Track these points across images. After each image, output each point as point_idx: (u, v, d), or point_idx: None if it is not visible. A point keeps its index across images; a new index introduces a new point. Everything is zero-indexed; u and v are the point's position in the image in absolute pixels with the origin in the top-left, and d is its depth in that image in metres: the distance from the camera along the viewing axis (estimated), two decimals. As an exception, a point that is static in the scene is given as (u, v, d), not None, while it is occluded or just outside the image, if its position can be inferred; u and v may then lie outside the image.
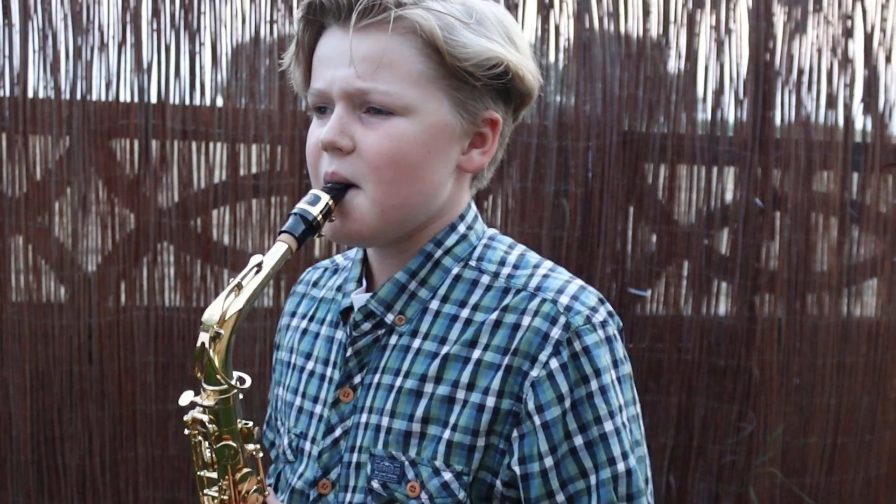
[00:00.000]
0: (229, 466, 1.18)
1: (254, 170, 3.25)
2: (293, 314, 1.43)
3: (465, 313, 1.23)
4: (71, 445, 3.19)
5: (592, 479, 1.17)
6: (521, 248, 1.30)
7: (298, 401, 1.35)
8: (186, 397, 1.17)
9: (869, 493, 3.54)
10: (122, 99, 3.16)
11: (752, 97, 3.38)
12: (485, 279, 1.25)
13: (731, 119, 3.43)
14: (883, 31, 3.44)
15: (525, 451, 1.17)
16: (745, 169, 3.38)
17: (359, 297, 1.29)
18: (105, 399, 3.19)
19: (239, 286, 1.14)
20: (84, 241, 3.19)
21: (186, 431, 1.18)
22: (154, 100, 3.17)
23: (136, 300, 3.21)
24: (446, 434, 1.19)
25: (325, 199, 1.19)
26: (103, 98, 3.15)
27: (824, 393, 3.48)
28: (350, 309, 1.30)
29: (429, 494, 1.20)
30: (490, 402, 1.18)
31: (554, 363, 1.17)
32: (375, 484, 1.23)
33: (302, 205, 1.18)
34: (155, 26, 3.15)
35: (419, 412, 1.21)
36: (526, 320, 1.19)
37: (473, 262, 1.27)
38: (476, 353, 1.20)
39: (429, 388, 1.21)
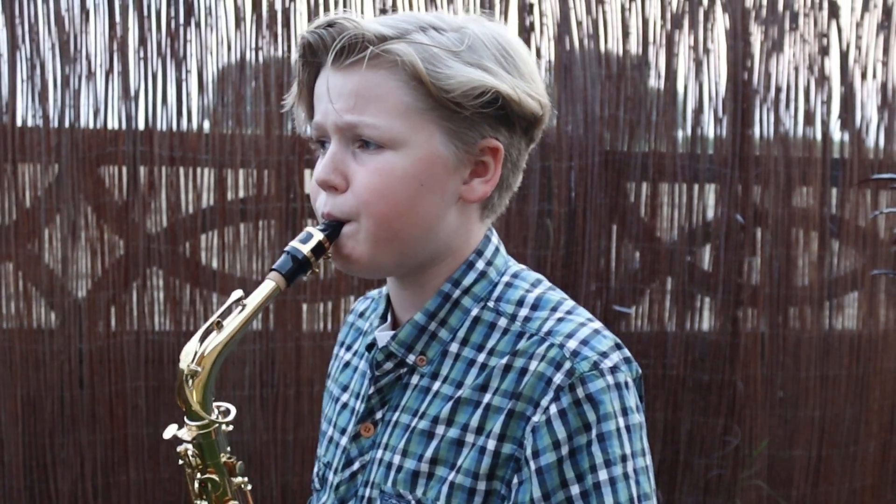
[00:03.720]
0: (214, 498, 1.21)
1: (241, 194, 3.29)
2: (342, 344, 1.44)
3: (481, 358, 1.21)
4: (63, 470, 3.21)
5: None
6: (544, 286, 1.27)
7: (330, 430, 1.36)
8: (170, 431, 1.20)
9: (854, 504, 3.59)
10: (110, 126, 3.20)
11: (731, 115, 3.43)
12: (502, 322, 1.23)
13: (711, 137, 3.48)
14: (858, 48, 3.50)
15: (519, 497, 1.15)
16: (725, 186, 3.43)
17: (382, 335, 1.29)
18: (96, 424, 3.21)
19: (219, 324, 1.16)
20: (74, 267, 3.22)
21: (181, 462, 1.21)
22: (142, 126, 3.21)
23: (126, 325, 3.23)
24: (451, 476, 1.18)
25: (318, 237, 1.19)
26: (91, 126, 3.19)
27: (808, 405, 3.52)
28: (373, 345, 1.30)
29: None
30: (491, 445, 1.17)
31: (553, 409, 1.14)
32: None
33: (294, 243, 1.19)
34: (142, 54, 3.19)
35: (429, 453, 1.20)
36: (533, 365, 1.17)
37: (492, 302, 1.24)
38: (486, 398, 1.19)
39: (440, 430, 1.21)
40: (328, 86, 1.19)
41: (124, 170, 3.21)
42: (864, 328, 3.56)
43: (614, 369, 1.17)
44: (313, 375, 3.30)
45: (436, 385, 1.23)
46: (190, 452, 1.20)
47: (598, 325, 1.21)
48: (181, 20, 3.20)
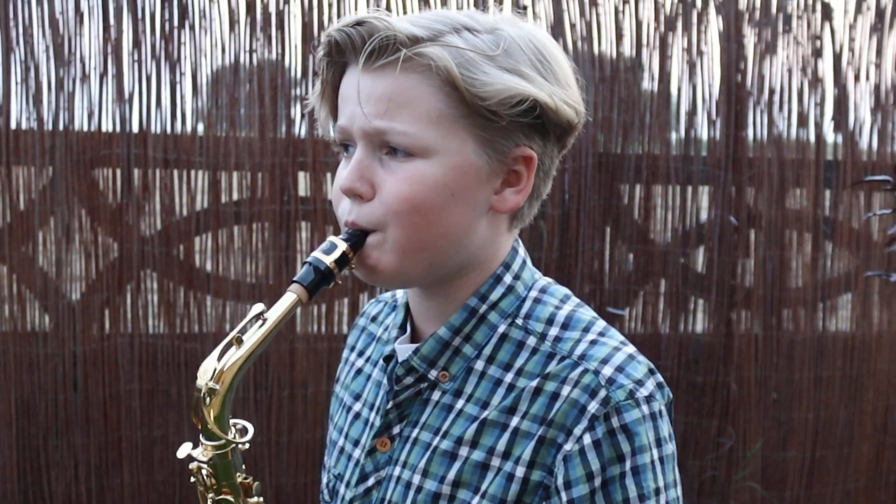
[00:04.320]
0: None
1: (235, 197, 3.29)
2: (352, 349, 1.39)
3: (508, 378, 1.17)
4: (57, 473, 3.21)
5: None
6: (573, 302, 1.22)
7: (342, 441, 1.31)
8: (184, 450, 1.15)
9: (848, 505, 3.59)
10: (104, 129, 3.21)
11: (724, 117, 3.44)
12: (531, 341, 1.17)
13: (705, 139, 3.49)
14: (851, 50, 3.51)
15: None
16: (719, 188, 3.44)
17: (402, 348, 1.24)
18: (90, 426, 3.22)
19: (239, 339, 1.11)
20: (68, 269, 3.22)
21: (192, 479, 1.17)
22: (136, 129, 3.22)
23: (120, 328, 3.24)
24: (475, 500, 1.14)
25: (342, 247, 1.14)
26: (86, 128, 3.19)
27: (802, 407, 3.53)
28: (391, 356, 1.25)
29: None
30: (520, 472, 1.12)
31: (587, 439, 1.10)
32: None
33: (316, 253, 1.14)
34: (136, 57, 3.19)
35: (451, 475, 1.16)
36: (565, 390, 1.12)
37: (520, 319, 1.19)
38: (514, 421, 1.14)
39: (464, 451, 1.16)
40: (358, 88, 1.13)
41: (118, 172, 3.21)
42: (858, 330, 3.57)
43: (650, 398, 1.11)
44: (307, 378, 3.31)
45: (459, 403, 1.18)
46: (204, 472, 1.15)
47: (631, 349, 1.16)
48: (175, 23, 3.21)
